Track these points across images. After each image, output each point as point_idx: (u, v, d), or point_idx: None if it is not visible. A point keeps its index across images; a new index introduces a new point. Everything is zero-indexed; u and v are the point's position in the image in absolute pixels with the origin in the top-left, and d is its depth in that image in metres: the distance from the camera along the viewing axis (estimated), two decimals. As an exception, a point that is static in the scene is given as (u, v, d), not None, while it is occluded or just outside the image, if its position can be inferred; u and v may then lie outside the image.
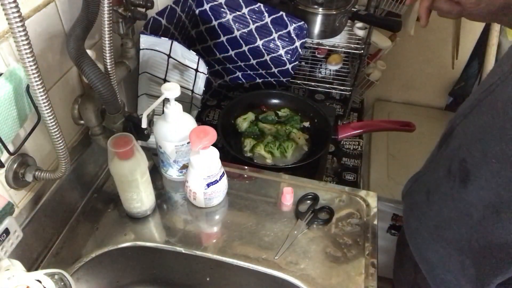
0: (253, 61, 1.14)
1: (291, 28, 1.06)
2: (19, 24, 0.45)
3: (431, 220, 0.73)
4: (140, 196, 0.75)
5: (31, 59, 0.49)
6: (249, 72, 1.19)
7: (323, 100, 1.30)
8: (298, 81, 1.24)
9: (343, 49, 1.21)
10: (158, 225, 0.79)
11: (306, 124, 1.12)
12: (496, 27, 1.34)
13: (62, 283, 0.60)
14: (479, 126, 0.63)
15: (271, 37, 1.09)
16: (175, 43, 0.88)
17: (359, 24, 1.14)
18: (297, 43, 1.08)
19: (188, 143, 0.78)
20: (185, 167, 0.83)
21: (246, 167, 0.91)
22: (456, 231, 0.68)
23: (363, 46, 1.11)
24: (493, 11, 0.67)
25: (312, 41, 1.12)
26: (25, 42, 0.47)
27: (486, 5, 0.67)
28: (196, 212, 0.82)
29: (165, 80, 0.96)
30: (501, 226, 0.60)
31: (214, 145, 0.73)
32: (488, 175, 0.60)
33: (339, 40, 1.17)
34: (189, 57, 0.90)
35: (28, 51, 0.48)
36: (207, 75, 0.91)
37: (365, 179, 1.44)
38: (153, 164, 0.88)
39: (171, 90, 0.73)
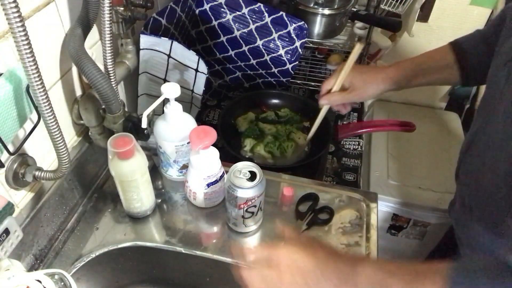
0: (253, 61, 1.14)
1: (291, 28, 1.06)
2: (19, 24, 0.45)
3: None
4: (140, 196, 0.75)
5: (31, 59, 0.49)
6: (249, 72, 1.19)
7: (323, 100, 1.30)
8: (298, 81, 1.24)
9: (343, 49, 1.21)
10: (158, 225, 0.79)
11: (306, 124, 1.12)
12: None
13: (62, 283, 0.60)
14: (469, 172, 0.65)
15: (271, 37, 1.09)
16: (175, 43, 0.88)
17: (359, 24, 1.14)
18: (297, 43, 1.08)
19: (188, 143, 0.78)
20: (185, 167, 0.83)
21: (246, 167, 0.90)
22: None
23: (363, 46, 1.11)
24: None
25: (312, 41, 1.12)
26: (25, 42, 0.47)
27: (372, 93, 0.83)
28: (196, 212, 0.82)
29: (165, 80, 0.96)
30: None
31: (214, 145, 0.73)
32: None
33: (339, 40, 1.17)
34: (189, 57, 0.90)
35: (28, 51, 0.48)
36: (207, 75, 0.91)
37: (365, 179, 1.43)
38: (153, 164, 0.88)
39: (171, 90, 0.73)
